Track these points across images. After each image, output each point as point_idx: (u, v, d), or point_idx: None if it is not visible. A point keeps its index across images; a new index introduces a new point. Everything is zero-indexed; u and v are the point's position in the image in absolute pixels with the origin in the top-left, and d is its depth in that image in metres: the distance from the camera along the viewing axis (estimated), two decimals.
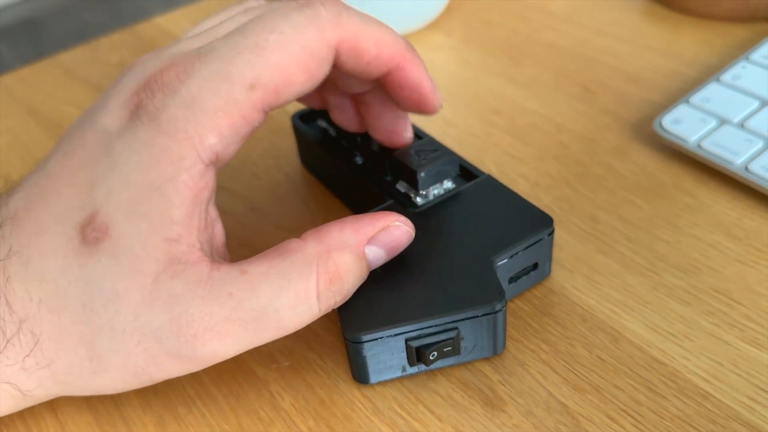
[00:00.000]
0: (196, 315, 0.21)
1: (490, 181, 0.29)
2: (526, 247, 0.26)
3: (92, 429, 0.25)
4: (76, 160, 0.22)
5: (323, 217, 0.33)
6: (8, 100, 0.45)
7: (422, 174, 0.28)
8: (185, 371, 0.22)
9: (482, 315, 0.24)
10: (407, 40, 0.25)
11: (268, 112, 0.23)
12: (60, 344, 0.22)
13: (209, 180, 0.22)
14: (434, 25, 0.46)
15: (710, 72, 0.38)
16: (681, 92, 0.37)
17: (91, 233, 0.21)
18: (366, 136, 0.31)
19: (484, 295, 0.24)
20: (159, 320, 0.21)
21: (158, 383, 0.24)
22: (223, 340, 0.21)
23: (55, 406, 0.26)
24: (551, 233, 0.27)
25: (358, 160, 0.32)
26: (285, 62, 0.22)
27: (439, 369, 0.26)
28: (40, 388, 0.23)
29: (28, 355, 0.22)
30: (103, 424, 0.25)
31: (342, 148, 0.32)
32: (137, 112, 0.22)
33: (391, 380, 0.26)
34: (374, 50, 0.24)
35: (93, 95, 0.45)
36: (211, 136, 0.22)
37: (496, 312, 0.24)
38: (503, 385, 0.25)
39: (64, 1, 1.96)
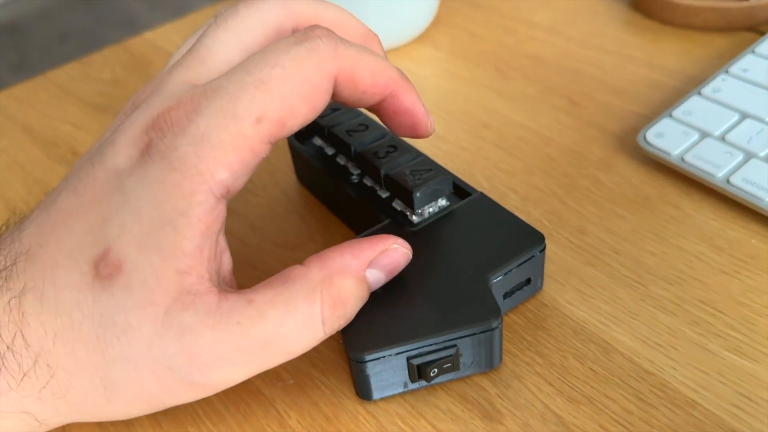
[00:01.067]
0: (208, 344, 0.22)
1: (483, 198, 0.30)
2: (519, 264, 0.27)
3: None
4: (88, 197, 0.23)
5: (322, 233, 0.34)
6: (2, 119, 0.46)
7: (418, 194, 0.29)
8: (197, 397, 0.23)
9: (480, 332, 0.25)
10: (400, 69, 0.26)
11: (274, 143, 0.24)
12: (75, 375, 0.22)
13: (220, 213, 0.23)
14: (422, 39, 0.47)
15: (691, 82, 0.40)
16: (663, 103, 0.39)
17: (104, 269, 0.22)
18: (360, 154, 0.32)
19: (481, 313, 0.25)
20: (171, 350, 0.22)
21: None
22: (234, 367, 0.22)
23: (65, 426, 0.27)
24: (543, 249, 0.28)
25: (354, 178, 0.32)
26: (288, 95, 0.23)
27: (439, 384, 0.27)
28: (56, 417, 0.23)
29: (44, 387, 0.22)
30: None
31: (338, 166, 0.33)
32: (148, 151, 0.23)
33: (393, 396, 0.27)
34: (370, 79, 0.25)
35: (88, 113, 0.45)
36: (221, 171, 0.22)
37: (493, 329, 0.25)
38: (501, 398, 0.26)
39: (45, 4, 1.95)
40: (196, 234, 0.22)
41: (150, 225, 0.22)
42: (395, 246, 0.25)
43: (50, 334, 0.22)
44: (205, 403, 0.27)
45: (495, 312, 0.25)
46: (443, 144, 0.38)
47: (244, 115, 0.23)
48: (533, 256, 0.28)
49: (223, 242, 0.24)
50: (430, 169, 0.30)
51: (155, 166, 0.22)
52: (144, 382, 0.22)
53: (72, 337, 0.22)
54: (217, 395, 0.27)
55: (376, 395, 0.26)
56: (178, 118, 0.23)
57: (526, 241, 0.28)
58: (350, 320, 0.25)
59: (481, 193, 0.30)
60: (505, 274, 0.27)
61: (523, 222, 0.29)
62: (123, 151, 0.23)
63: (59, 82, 0.49)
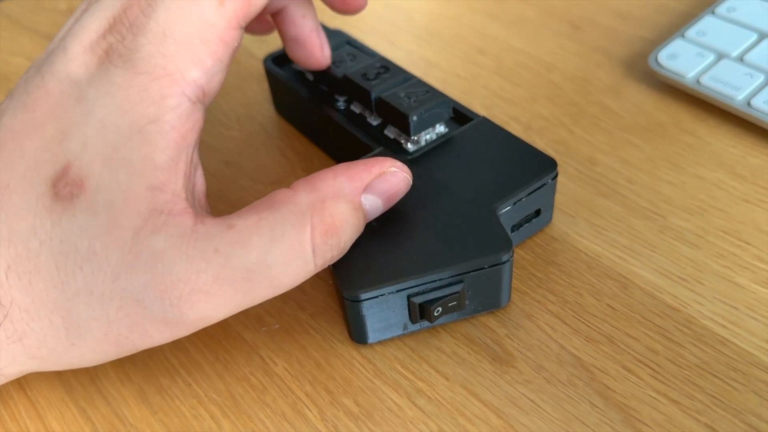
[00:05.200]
0: (182, 274, 0.19)
1: (486, 123, 0.27)
2: (530, 193, 0.25)
3: (67, 405, 0.23)
4: (41, 112, 0.20)
5: (305, 168, 0.31)
6: None
7: (414, 117, 0.26)
8: (172, 337, 0.20)
9: (489, 266, 0.22)
10: None
11: (244, 28, 0.21)
12: (32, 314, 0.19)
13: (197, 120, 0.20)
14: None
15: (699, 5, 0.37)
16: (671, 27, 0.36)
17: (64, 188, 0.19)
18: (347, 77, 0.29)
19: (490, 245, 0.22)
20: (140, 281, 0.19)
21: (136, 353, 0.22)
22: (212, 301, 0.19)
23: (23, 382, 0.24)
24: (555, 177, 0.25)
25: (340, 105, 0.29)
26: None
27: (441, 325, 0.24)
28: (12, 365, 0.20)
29: None
30: (78, 400, 0.23)
31: (321, 92, 0.30)
32: (108, 57, 0.20)
33: (392, 339, 0.24)
34: None
35: (43, 45, 0.41)
36: (193, 70, 0.20)
37: (504, 263, 0.22)
38: (510, 339, 0.24)
39: None
40: (169, 144, 0.19)
41: (117, 136, 0.19)
42: (393, 169, 0.22)
43: (2, 267, 0.19)
44: (180, 351, 0.24)
45: (506, 244, 0.22)
46: (435, 71, 0.35)
47: None
48: (545, 184, 0.25)
49: (196, 158, 0.21)
50: (426, 91, 0.27)
51: (118, 71, 0.19)
52: (111, 320, 0.19)
53: (28, 268, 0.19)
54: (192, 341, 0.24)
55: (372, 338, 0.23)
56: (135, 16, 0.20)
57: (536, 167, 0.25)
58: (344, 252, 0.22)
59: (484, 118, 0.27)
60: (514, 203, 0.24)
61: (533, 147, 0.26)
62: (78, 58, 0.20)
63: (11, 14, 0.45)
